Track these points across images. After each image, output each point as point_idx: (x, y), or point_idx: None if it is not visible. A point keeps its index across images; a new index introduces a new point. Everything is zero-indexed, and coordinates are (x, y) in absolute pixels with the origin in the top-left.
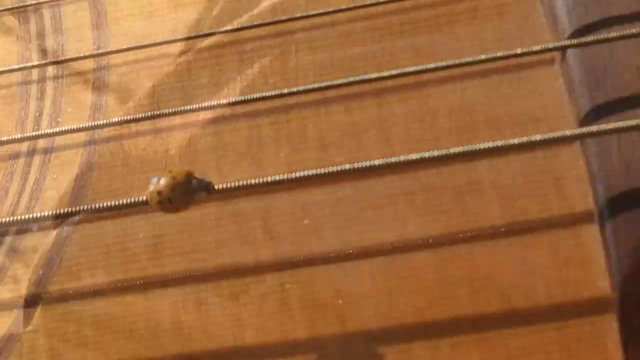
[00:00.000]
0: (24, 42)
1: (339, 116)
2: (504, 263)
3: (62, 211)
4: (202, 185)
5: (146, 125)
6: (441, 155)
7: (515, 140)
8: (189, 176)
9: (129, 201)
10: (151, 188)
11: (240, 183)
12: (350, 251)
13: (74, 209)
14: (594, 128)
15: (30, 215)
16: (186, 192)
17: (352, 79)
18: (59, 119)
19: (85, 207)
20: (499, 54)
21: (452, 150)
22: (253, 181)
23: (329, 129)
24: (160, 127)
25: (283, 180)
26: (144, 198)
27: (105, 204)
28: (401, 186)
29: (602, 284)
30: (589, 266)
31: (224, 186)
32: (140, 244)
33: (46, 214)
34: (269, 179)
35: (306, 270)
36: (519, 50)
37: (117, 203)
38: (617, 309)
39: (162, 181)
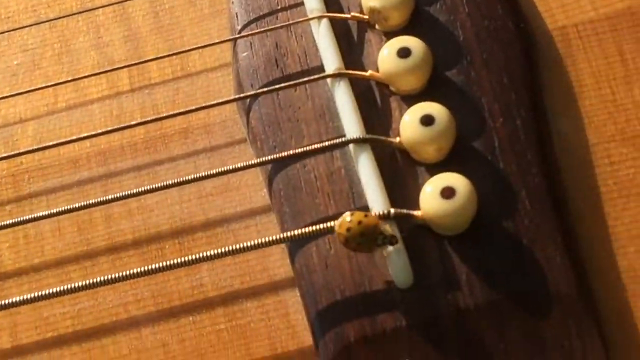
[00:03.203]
0: None
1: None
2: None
3: None
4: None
5: None
6: (165, 266)
7: (230, 247)
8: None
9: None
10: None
11: None
12: None
13: None
14: (293, 232)
15: None
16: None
17: (76, 205)
18: None
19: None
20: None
21: (174, 261)
22: None
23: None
24: None
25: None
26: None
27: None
28: (134, 294)
29: None
30: (302, 356)
31: None
32: None
33: None
34: None
35: None
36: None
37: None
38: None
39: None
